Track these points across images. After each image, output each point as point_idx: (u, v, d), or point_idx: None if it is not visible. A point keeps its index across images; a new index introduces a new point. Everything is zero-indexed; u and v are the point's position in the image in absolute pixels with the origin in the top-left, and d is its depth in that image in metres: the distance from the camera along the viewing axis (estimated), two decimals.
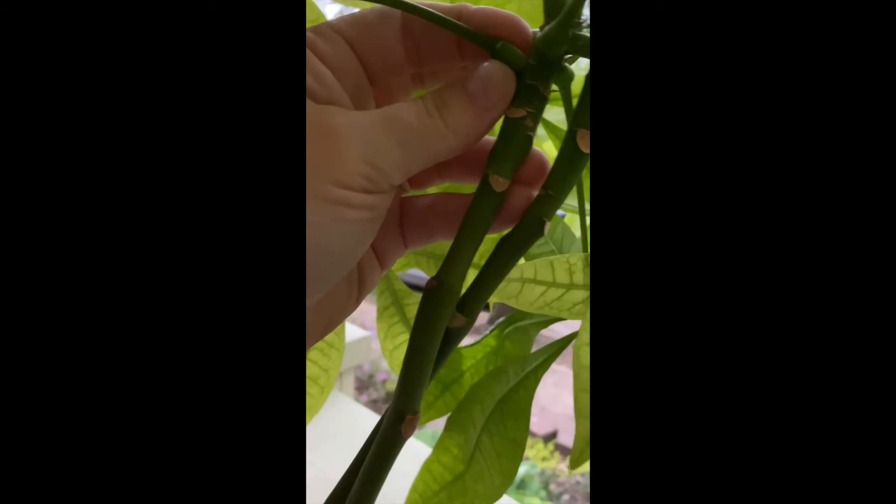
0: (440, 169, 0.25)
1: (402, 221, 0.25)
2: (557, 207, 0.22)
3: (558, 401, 2.04)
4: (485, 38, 0.22)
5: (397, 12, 0.22)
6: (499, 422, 0.33)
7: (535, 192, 0.23)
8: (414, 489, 0.34)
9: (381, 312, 0.35)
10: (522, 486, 1.64)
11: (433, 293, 0.23)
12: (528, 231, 0.23)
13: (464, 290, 0.24)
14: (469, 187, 0.23)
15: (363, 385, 2.21)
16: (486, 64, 0.22)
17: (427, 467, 0.34)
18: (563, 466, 1.85)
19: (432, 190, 0.27)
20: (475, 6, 0.22)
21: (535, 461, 1.83)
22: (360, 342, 0.78)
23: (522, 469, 1.62)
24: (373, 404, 2.12)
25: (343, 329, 0.37)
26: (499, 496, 0.33)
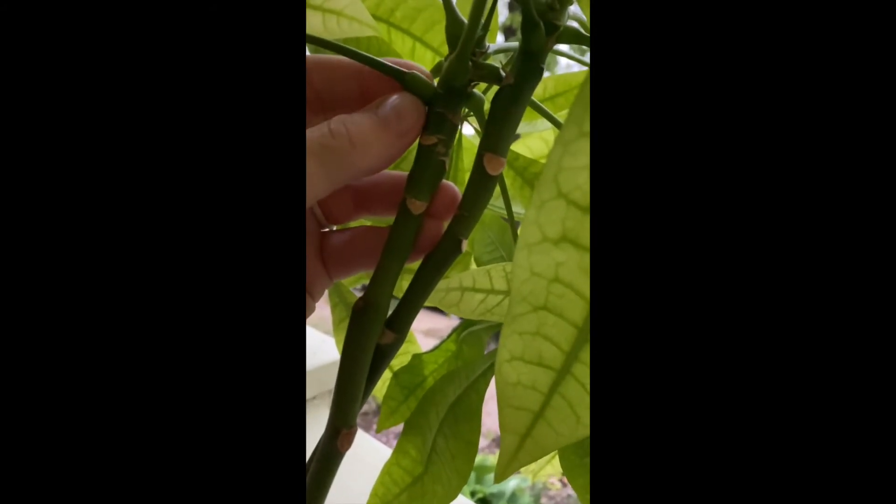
0: (359, 204, 0.26)
1: (323, 255, 0.26)
2: (473, 226, 0.24)
3: None
4: (394, 69, 0.23)
5: None
6: (452, 424, 0.34)
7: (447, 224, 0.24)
8: (374, 493, 0.35)
9: (337, 325, 0.36)
10: (513, 499, 1.61)
11: (361, 313, 0.24)
12: (447, 249, 0.24)
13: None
14: (388, 220, 0.24)
15: None
16: (395, 95, 0.23)
17: (387, 470, 0.35)
18: (554, 480, 1.86)
19: (352, 225, 0.28)
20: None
21: (525, 475, 1.84)
22: None
23: (513, 482, 1.59)
24: (363, 417, 2.15)
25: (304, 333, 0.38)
26: (455, 496, 0.34)
